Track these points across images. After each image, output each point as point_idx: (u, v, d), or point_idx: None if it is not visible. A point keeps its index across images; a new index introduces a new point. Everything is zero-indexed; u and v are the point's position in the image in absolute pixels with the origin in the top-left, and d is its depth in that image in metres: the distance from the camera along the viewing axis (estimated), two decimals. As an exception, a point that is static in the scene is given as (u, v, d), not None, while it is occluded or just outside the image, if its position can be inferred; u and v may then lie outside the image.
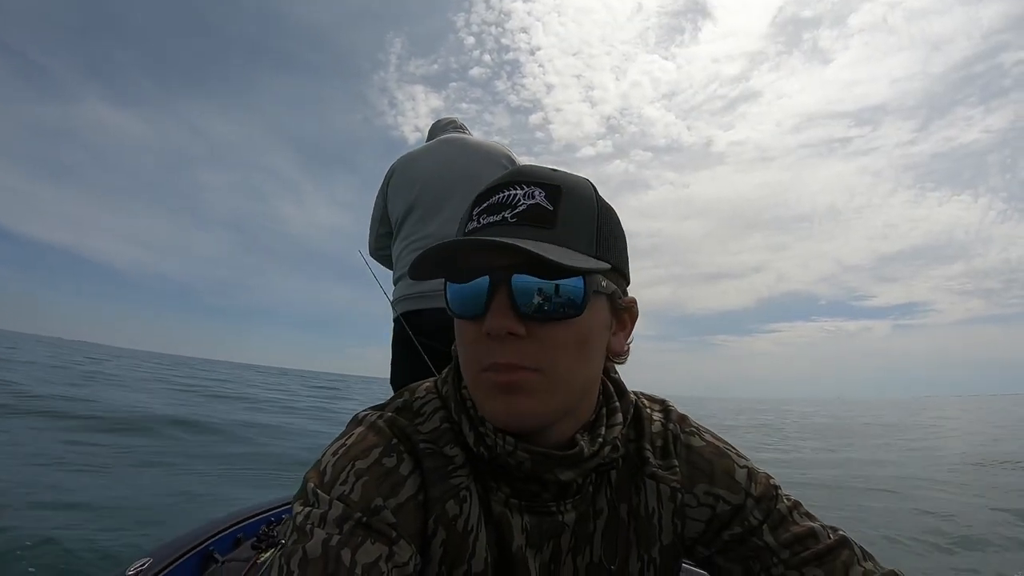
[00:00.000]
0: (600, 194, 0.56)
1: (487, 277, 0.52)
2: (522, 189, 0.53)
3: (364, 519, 0.51)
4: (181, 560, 1.72)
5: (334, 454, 0.56)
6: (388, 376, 1.95)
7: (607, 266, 0.53)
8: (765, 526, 0.61)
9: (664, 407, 0.70)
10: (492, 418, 0.54)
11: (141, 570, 1.56)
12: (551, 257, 0.47)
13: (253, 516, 2.22)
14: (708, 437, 0.68)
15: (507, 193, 0.54)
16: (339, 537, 0.49)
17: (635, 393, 0.69)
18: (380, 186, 2.05)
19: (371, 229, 2.12)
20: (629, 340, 0.61)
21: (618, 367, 0.67)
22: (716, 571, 0.64)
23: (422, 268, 0.54)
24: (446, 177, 1.88)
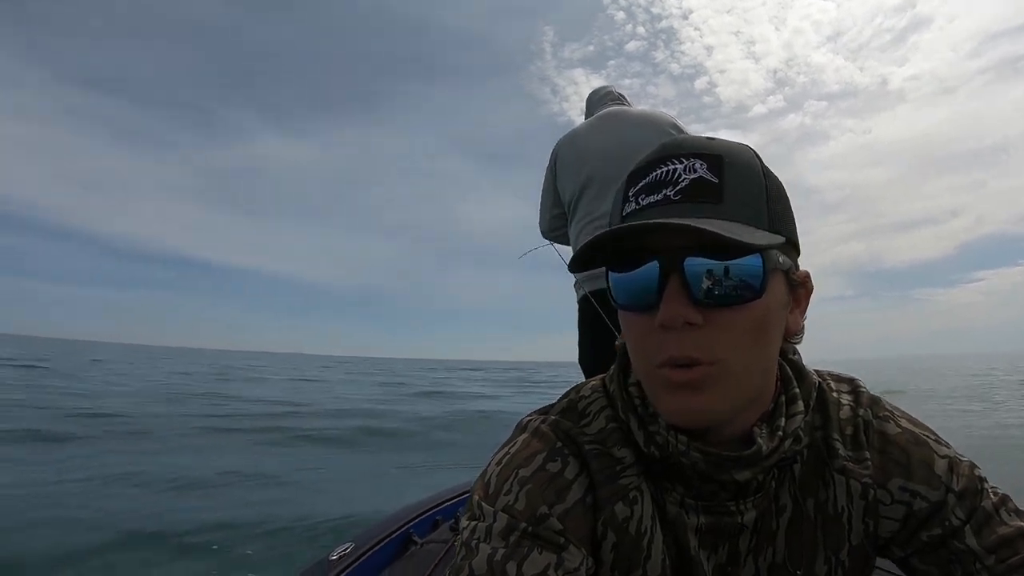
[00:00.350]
0: (763, 159, 0.52)
1: (656, 263, 0.48)
2: (681, 163, 0.49)
3: (530, 529, 0.50)
4: (381, 544, 1.85)
5: (498, 464, 0.56)
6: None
7: (782, 239, 0.49)
8: (968, 527, 0.54)
9: (854, 388, 0.63)
10: (668, 417, 0.51)
11: (344, 555, 1.71)
12: (729, 235, 0.44)
13: (451, 499, 2.32)
14: (904, 423, 0.60)
15: (665, 169, 0.50)
16: (504, 550, 0.49)
17: (818, 373, 0.63)
18: (547, 167, 2.07)
19: (542, 210, 2.16)
20: (804, 317, 0.56)
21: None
22: (912, 573, 0.58)
23: (581, 261, 0.51)
24: (616, 153, 1.83)
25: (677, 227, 0.45)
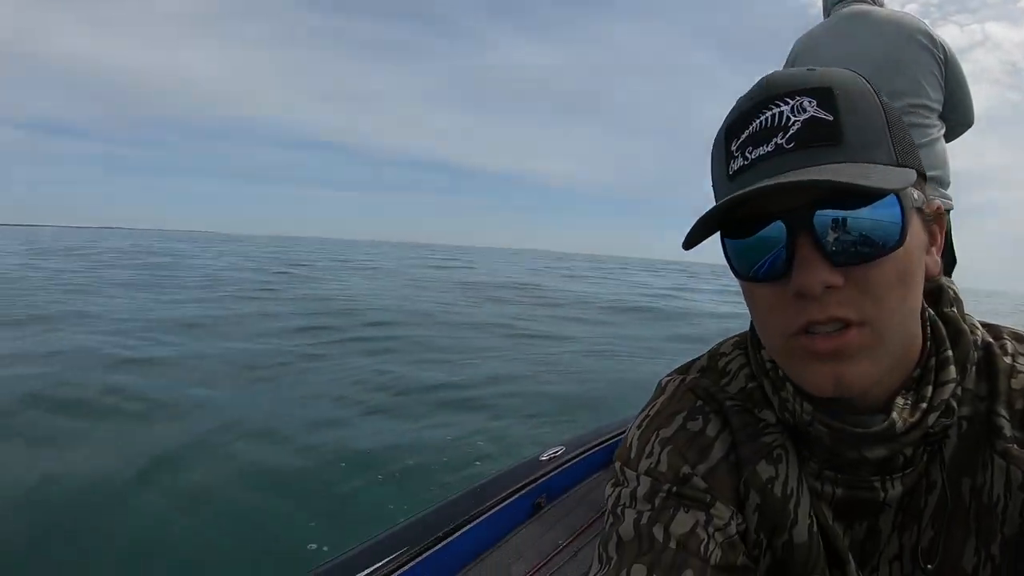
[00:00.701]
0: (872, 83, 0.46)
1: (780, 223, 0.44)
2: (787, 103, 0.44)
3: (674, 489, 0.51)
4: (591, 451, 1.97)
5: (639, 427, 0.57)
6: None
7: (915, 174, 0.43)
8: None
9: None
10: (816, 390, 0.46)
11: (554, 456, 1.89)
12: (862, 182, 0.39)
13: None
14: None
15: (771, 113, 0.45)
16: (650, 513, 0.50)
17: (991, 329, 0.55)
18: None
19: None
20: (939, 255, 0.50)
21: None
22: None
23: (694, 238, 0.47)
24: (860, 67, 1.48)
25: (796, 185, 0.39)
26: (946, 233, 0.61)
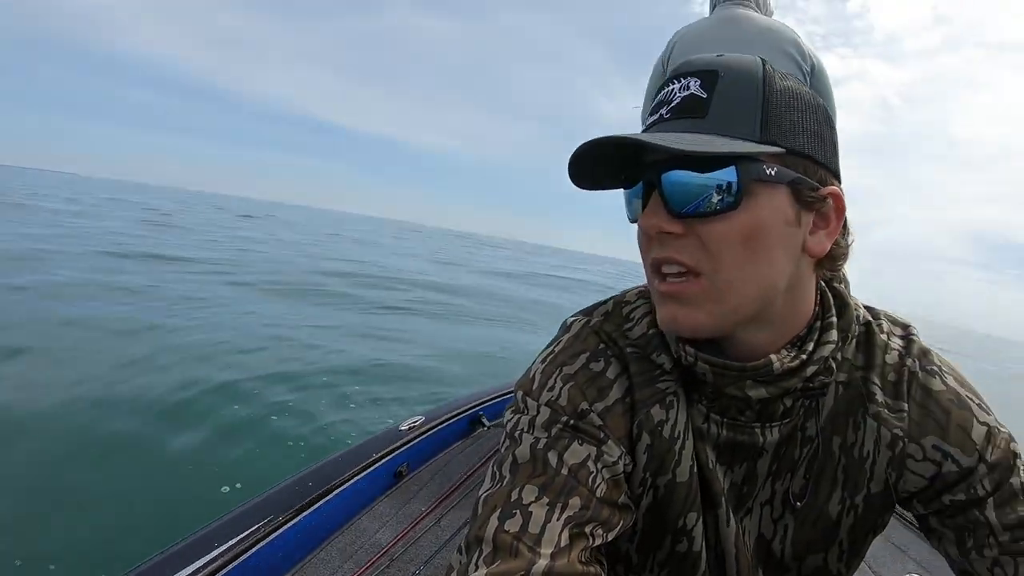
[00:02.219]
0: (776, 72, 0.51)
1: (643, 179, 0.51)
2: (679, 82, 0.51)
3: (571, 422, 0.53)
4: (451, 421, 2.02)
5: (543, 361, 0.59)
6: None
7: (774, 149, 0.48)
8: (991, 500, 0.54)
9: (907, 335, 0.61)
10: (661, 324, 0.53)
11: (414, 426, 1.90)
12: (678, 147, 0.45)
13: None
14: (951, 381, 0.58)
15: (667, 89, 0.52)
16: (546, 440, 0.52)
17: (873, 312, 0.62)
18: (661, 56, 1.97)
19: (645, 102, 2.03)
20: (847, 240, 0.56)
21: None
22: (927, 530, 0.59)
23: (579, 175, 0.53)
24: None
25: (634, 142, 0.48)
26: None
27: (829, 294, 0.58)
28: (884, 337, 0.60)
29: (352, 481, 1.53)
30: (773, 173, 0.48)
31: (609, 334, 0.60)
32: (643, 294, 0.64)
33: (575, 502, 0.48)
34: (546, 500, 0.48)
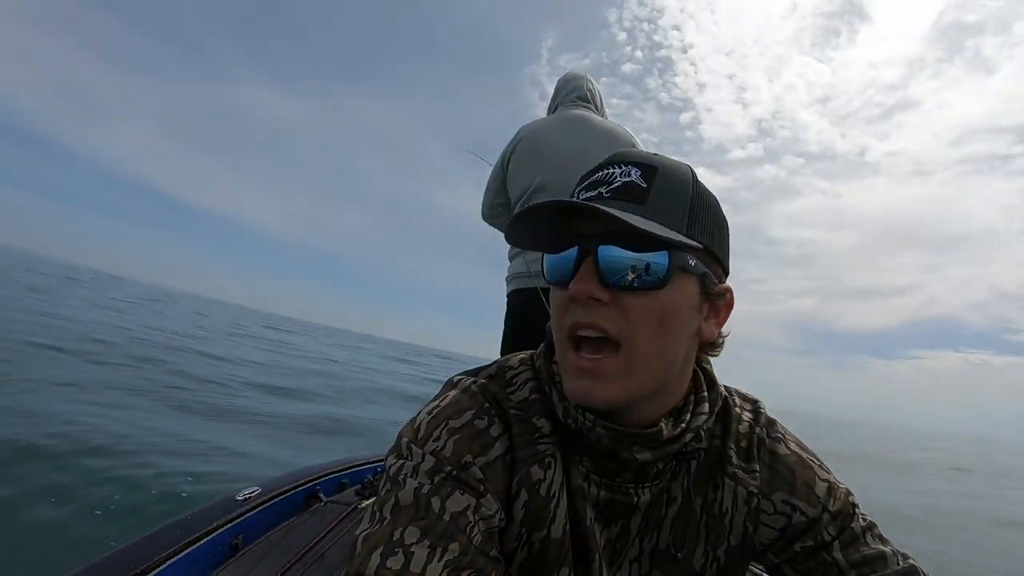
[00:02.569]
0: (700, 180, 0.57)
1: (577, 246, 0.54)
2: (620, 168, 0.55)
3: (454, 472, 0.54)
4: (288, 494, 1.92)
5: (429, 413, 0.60)
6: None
7: (696, 244, 0.53)
8: (837, 543, 0.61)
9: (755, 408, 0.69)
10: (572, 397, 0.56)
11: (250, 497, 1.78)
12: (635, 224, 0.48)
13: (361, 464, 2.41)
14: (793, 446, 0.67)
15: (606, 172, 0.56)
16: (430, 486, 0.53)
17: (727, 389, 0.69)
18: (503, 152, 2.03)
19: (486, 194, 2.12)
20: (726, 332, 0.61)
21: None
22: None
23: (516, 235, 0.57)
24: (573, 164, 1.83)
25: (591, 211, 0.50)
26: None
27: (700, 373, 0.65)
28: (738, 410, 0.67)
29: (186, 552, 1.39)
30: (692, 264, 0.54)
31: (494, 395, 0.62)
32: (524, 361, 0.67)
33: (455, 547, 0.49)
34: (427, 543, 0.49)
